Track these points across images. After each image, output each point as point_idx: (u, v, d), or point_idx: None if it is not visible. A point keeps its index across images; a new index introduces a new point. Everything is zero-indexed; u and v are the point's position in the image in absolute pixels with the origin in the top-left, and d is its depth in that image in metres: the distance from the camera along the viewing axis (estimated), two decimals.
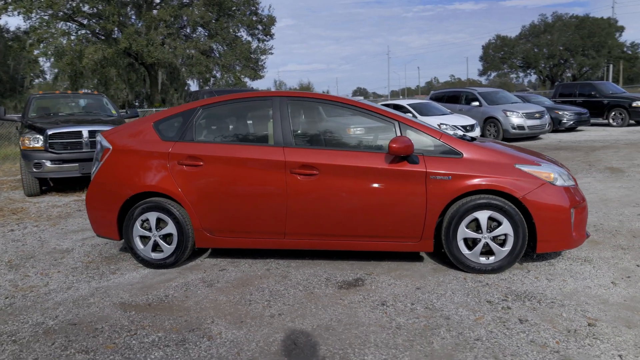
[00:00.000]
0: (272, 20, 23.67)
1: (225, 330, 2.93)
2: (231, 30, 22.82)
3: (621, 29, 52.97)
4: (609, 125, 16.19)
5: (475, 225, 3.63)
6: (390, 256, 4.13)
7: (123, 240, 4.17)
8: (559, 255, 4.00)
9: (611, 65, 52.54)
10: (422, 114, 12.62)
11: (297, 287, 3.57)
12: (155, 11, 21.71)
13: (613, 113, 15.98)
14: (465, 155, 3.62)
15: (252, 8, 23.14)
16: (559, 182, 3.60)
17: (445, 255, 3.75)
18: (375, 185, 3.66)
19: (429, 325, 2.87)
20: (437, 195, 3.58)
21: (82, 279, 3.94)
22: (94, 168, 4.24)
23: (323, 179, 3.71)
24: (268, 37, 24.13)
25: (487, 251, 3.65)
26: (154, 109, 14.69)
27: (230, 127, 4.17)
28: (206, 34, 22.31)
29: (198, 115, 4.08)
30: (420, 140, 3.69)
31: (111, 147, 4.14)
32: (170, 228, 4.01)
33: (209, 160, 3.89)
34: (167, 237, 4.06)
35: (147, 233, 4.06)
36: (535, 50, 53.86)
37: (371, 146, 3.81)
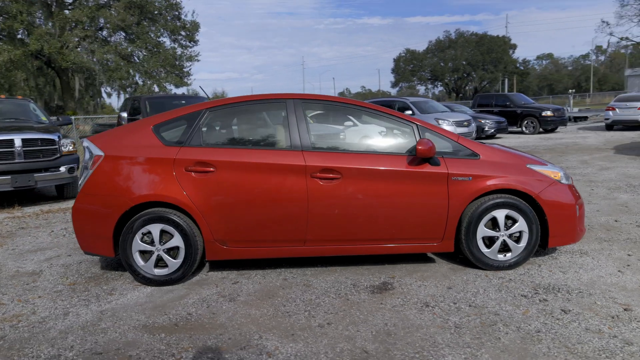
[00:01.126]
0: (195, 26, 22.93)
1: (280, 345, 2.74)
2: (153, 35, 21.75)
3: (514, 46, 58.55)
4: (522, 132, 17.75)
5: (492, 224, 3.76)
6: (402, 258, 4.14)
7: (113, 257, 3.76)
8: (555, 249, 4.28)
9: (506, 79, 57.87)
10: (421, 111, 13.77)
11: (328, 294, 3.45)
12: (67, 11, 20.04)
13: (526, 122, 17.56)
14: (482, 156, 3.76)
15: (175, 13, 22.27)
16: (564, 181, 3.86)
17: (453, 254, 3.84)
18: (398, 187, 3.66)
19: (485, 322, 2.91)
20: (459, 196, 3.67)
21: (76, 303, 3.48)
22: (82, 177, 3.78)
23: (345, 183, 3.64)
24: (192, 43, 23.35)
25: (504, 248, 3.80)
26: (73, 117, 13.51)
27: (241, 130, 3.95)
28: (126, 38, 21.04)
29: (204, 118, 3.81)
30: (439, 143, 3.76)
31: (103, 154, 3.73)
32: (177, 241, 3.69)
33: (222, 166, 3.65)
34: (171, 251, 3.73)
35: (148, 247, 3.70)
36: (442, 64, 57.69)
37: (390, 149, 3.81)
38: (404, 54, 60.50)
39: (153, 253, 3.72)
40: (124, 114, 9.50)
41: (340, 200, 3.65)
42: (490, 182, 3.68)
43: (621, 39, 37.54)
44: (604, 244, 4.35)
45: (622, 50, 74.86)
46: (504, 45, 57.10)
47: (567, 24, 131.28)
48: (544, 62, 78.78)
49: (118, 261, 4.40)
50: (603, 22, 54.86)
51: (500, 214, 3.72)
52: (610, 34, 41.02)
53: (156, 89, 20.89)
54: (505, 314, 3.01)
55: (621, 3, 38.18)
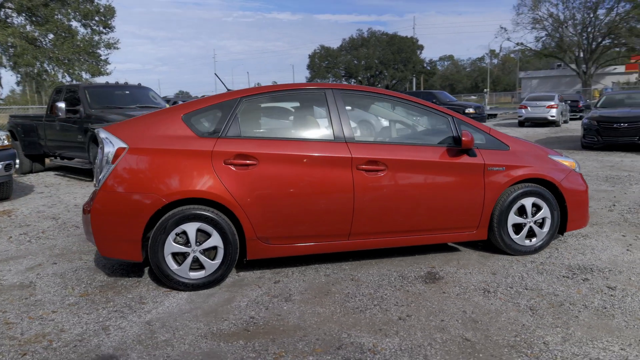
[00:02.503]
0: (111, 11, 21.22)
1: (377, 341, 2.65)
2: (63, 19, 19.77)
3: (421, 47, 61.85)
4: None
5: (519, 211, 3.95)
6: (430, 248, 4.20)
7: (141, 261, 3.38)
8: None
9: (414, 78, 61.09)
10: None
11: (383, 287, 3.40)
12: None
13: None
14: (510, 147, 3.93)
15: None
16: (577, 170, 4.16)
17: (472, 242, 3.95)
18: (440, 178, 3.71)
19: (552, 303, 3.06)
20: (493, 186, 3.81)
21: (108, 316, 3.08)
22: (102, 173, 3.34)
23: (390, 175, 3.61)
24: (107, 29, 21.60)
25: (529, 234, 4.01)
26: None
27: (281, 120, 3.74)
28: (32, 20, 18.89)
29: (240, 108, 3.55)
30: (474, 135, 3.86)
31: (127, 146, 3.33)
32: (215, 240, 3.41)
33: (265, 159, 3.43)
34: (206, 252, 3.44)
35: (183, 249, 3.38)
36: (355, 62, 59.36)
37: (429, 140, 3.84)
38: (319, 51, 61.27)
39: (188, 255, 3.40)
40: (61, 105, 8.53)
41: (385, 193, 3.61)
42: (520, 172, 3.86)
43: (517, 44, 41.28)
44: (596, 228, 4.77)
45: (512, 55, 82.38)
46: (412, 45, 60.12)
47: (463, 28, 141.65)
48: (445, 63, 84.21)
49: (123, 265, 3.97)
50: (501, 28, 59.84)
51: (527, 202, 3.92)
52: (508, 39, 44.71)
53: (69, 78, 19.03)
54: (564, 295, 3.18)
55: (517, 12, 41.85)
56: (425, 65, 62.03)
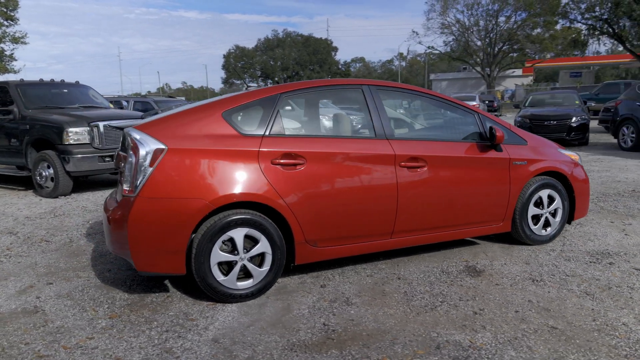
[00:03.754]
0: (14, 2, 19.13)
1: (471, 337, 2.63)
2: None
3: (335, 49, 63.24)
4: None
5: (536, 203, 4.16)
6: (453, 243, 4.28)
7: (184, 274, 3.07)
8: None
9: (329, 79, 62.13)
10: None
11: (437, 284, 3.40)
12: None
13: None
14: (528, 142, 4.12)
15: None
16: (580, 162, 4.48)
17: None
18: (472, 173, 3.79)
19: (602, 287, 3.25)
20: (517, 179, 3.97)
21: (162, 338, 2.75)
22: (138, 178, 2.97)
23: (430, 171, 3.62)
24: (9, 21, 19.40)
25: (545, 224, 4.24)
26: None
27: (322, 117, 3.58)
28: None
29: (280, 104, 3.35)
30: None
31: (165, 147, 3.00)
32: (263, 246, 3.19)
33: (313, 158, 3.28)
34: (253, 259, 3.21)
35: (230, 257, 3.12)
36: (272, 62, 59.17)
37: (460, 136, 3.90)
38: (234, 51, 60.21)
39: (235, 263, 3.14)
40: None
41: (425, 189, 3.61)
42: (539, 166, 4.07)
43: (428, 47, 43.71)
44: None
45: (419, 58, 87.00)
46: (327, 47, 61.27)
47: (371, 31, 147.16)
48: (357, 65, 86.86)
49: (138, 280, 3.58)
50: (413, 32, 62.89)
51: (544, 194, 4.14)
52: (420, 42, 46.93)
53: None
54: (604, 278, 3.40)
55: (427, 17, 44.28)
56: (340, 66, 63.53)
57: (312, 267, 3.75)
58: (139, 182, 2.96)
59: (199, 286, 3.15)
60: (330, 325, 2.83)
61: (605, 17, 24.95)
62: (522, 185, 4.00)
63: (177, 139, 3.05)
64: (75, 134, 7.18)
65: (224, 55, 59.64)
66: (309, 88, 3.50)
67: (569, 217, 4.35)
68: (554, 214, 4.24)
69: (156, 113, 4.12)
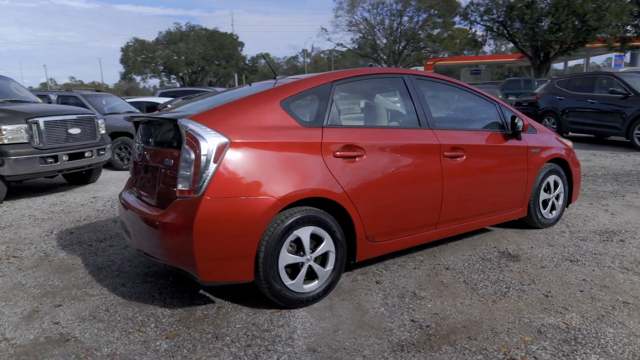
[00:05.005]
0: None
1: (563, 319, 2.69)
2: None
3: (242, 44, 62.09)
4: None
5: (544, 189, 4.39)
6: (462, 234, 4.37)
7: (251, 281, 2.77)
8: None
9: (236, 75, 61.10)
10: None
11: (489, 271, 3.44)
12: None
13: None
14: (538, 131, 4.34)
15: None
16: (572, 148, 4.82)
17: None
18: (500, 162, 3.90)
19: (633, 262, 3.51)
20: (533, 166, 4.17)
21: (248, 353, 2.47)
22: (203, 176, 2.61)
23: (467, 161, 3.65)
24: None
25: (551, 208, 4.50)
26: None
27: (371, 107, 3.43)
28: None
29: (334, 93, 3.16)
30: None
31: (228, 140, 2.68)
32: (327, 245, 2.99)
33: (371, 149, 3.14)
34: (317, 259, 3.01)
35: (297, 259, 2.89)
36: (175, 57, 56.48)
37: (487, 126, 3.98)
38: (132, 44, 56.49)
39: (302, 265, 2.91)
40: None
41: (464, 179, 3.64)
42: (548, 153, 4.30)
43: (337, 44, 44.58)
44: None
45: (322, 55, 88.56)
46: (233, 42, 59.92)
47: (272, 27, 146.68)
48: (262, 61, 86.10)
49: (168, 291, 3.19)
50: (322, 29, 63.60)
51: (551, 179, 4.39)
52: (329, 39, 47.72)
53: None
54: (628, 254, 3.69)
55: (335, 14, 45.08)
56: (247, 62, 62.54)
57: (353, 264, 3.61)
58: (202, 180, 2.60)
59: (264, 294, 2.87)
60: (420, 321, 2.73)
61: (501, 19, 27.35)
62: (537, 172, 4.21)
63: (238, 131, 2.73)
64: (11, 132, 6.22)
65: (121, 48, 55.61)
66: (357, 77, 3.34)
67: (567, 201, 4.67)
68: (557, 198, 4.52)
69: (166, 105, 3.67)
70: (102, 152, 7.36)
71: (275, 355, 2.42)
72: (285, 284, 2.84)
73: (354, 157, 3.06)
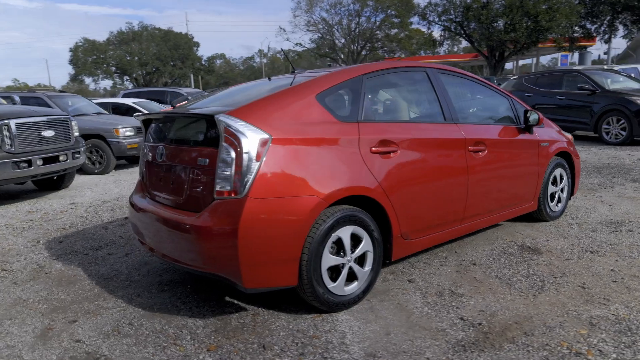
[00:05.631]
0: None
1: (609, 311, 2.70)
2: None
3: (197, 44, 60.78)
4: None
5: (551, 182, 4.45)
6: None
7: (295, 286, 2.62)
8: None
9: (192, 75, 59.78)
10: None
11: (516, 266, 3.43)
12: None
13: None
14: (544, 125, 4.40)
15: None
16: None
17: None
18: (516, 155, 3.91)
19: None
20: (543, 160, 4.21)
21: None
22: (247, 175, 2.43)
23: (488, 155, 3.64)
24: None
25: (557, 201, 4.57)
26: None
27: (399, 101, 3.33)
28: None
29: (365, 86, 3.06)
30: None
31: (269, 136, 2.53)
32: (366, 244, 2.89)
33: (404, 145, 3.06)
34: (356, 259, 2.89)
35: (339, 260, 2.76)
36: (128, 57, 54.60)
37: (502, 120, 3.98)
38: (82, 44, 54.14)
39: (343, 266, 2.79)
40: None
41: (486, 174, 3.62)
42: (556, 146, 4.37)
43: (296, 44, 44.42)
44: None
45: (279, 55, 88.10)
46: (189, 42, 58.58)
47: (224, 27, 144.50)
48: (218, 61, 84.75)
49: (187, 299, 3.00)
50: (281, 28, 63.15)
51: (557, 173, 4.46)
52: (287, 39, 47.57)
53: None
54: None
55: (294, 14, 44.90)
56: (203, 62, 61.34)
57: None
58: (245, 180, 2.43)
59: (304, 298, 2.72)
60: (469, 319, 2.66)
61: (458, 19, 28.07)
62: (546, 165, 4.26)
63: (278, 126, 2.58)
64: None
65: (70, 48, 53.18)
66: (385, 70, 3.24)
67: (570, 193, 4.76)
68: (562, 191, 4.60)
69: (186, 99, 3.43)
70: (77, 156, 6.93)
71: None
72: (328, 287, 2.70)
73: (389, 152, 2.96)
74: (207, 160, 2.55)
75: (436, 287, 3.11)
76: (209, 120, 2.60)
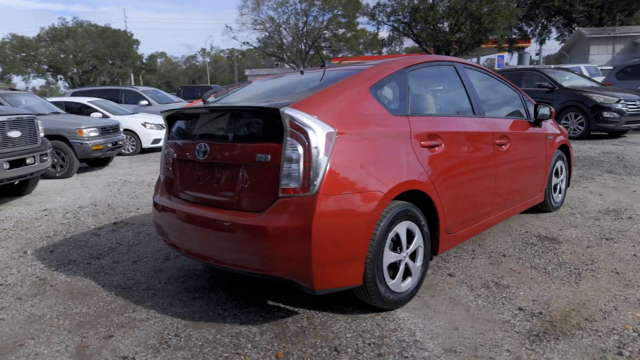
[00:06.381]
0: None
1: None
2: None
3: (137, 42, 58.40)
4: None
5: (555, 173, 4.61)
6: None
7: (360, 285, 2.52)
8: None
9: (132, 74, 57.43)
10: (158, 101, 12.04)
11: (543, 256, 3.51)
12: None
13: None
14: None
15: None
16: None
17: None
18: (531, 148, 4.02)
19: None
20: (550, 152, 4.35)
21: None
22: (317, 171, 2.31)
23: (511, 148, 3.70)
24: None
25: (558, 192, 4.74)
26: None
27: (436, 94, 3.30)
28: None
29: (409, 79, 3.01)
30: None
31: (335, 130, 2.42)
32: (418, 239, 2.85)
33: (447, 138, 3.04)
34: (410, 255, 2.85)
35: (397, 257, 2.70)
36: (62, 55, 51.55)
37: (513, 113, 4.06)
38: (9, 40, 50.47)
39: (400, 263, 2.73)
40: None
41: (509, 166, 3.68)
42: (558, 139, 4.53)
43: (243, 43, 43.75)
44: None
45: (221, 54, 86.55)
46: (128, 40, 56.19)
47: (163, 25, 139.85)
48: (159, 60, 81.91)
49: (226, 306, 2.84)
50: (227, 27, 62.04)
51: (559, 165, 4.64)
52: (234, 38, 46.72)
53: None
54: None
55: (240, 12, 44.22)
56: (144, 61, 59.06)
57: None
58: (316, 176, 2.30)
59: (363, 298, 2.63)
60: (528, 310, 2.69)
61: (406, 20, 28.78)
62: (552, 158, 4.41)
63: (340, 120, 2.47)
64: None
65: None
66: (422, 64, 3.20)
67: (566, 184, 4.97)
68: (562, 182, 4.78)
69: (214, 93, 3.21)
70: (45, 158, 6.40)
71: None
72: (388, 284, 2.63)
73: (434, 146, 2.93)
74: (269, 156, 2.39)
75: (479, 280, 3.11)
76: (269, 113, 2.44)
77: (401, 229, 2.68)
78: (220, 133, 2.70)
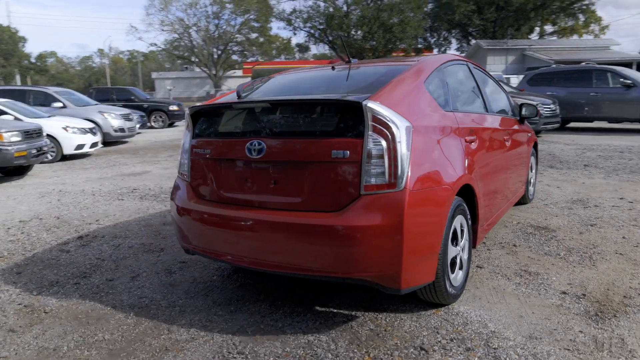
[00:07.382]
0: None
1: None
2: None
3: (24, 39, 53.06)
4: (152, 127, 17.70)
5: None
6: None
7: (432, 282, 2.49)
8: None
9: (19, 75, 51.99)
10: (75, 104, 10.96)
11: (549, 243, 3.71)
12: None
13: (154, 116, 17.65)
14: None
15: None
16: None
17: None
18: (521, 144, 4.25)
19: (632, 219, 4.23)
20: (529, 149, 4.66)
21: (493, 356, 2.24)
22: (403, 167, 2.23)
23: (511, 144, 3.90)
24: None
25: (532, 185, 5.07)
26: None
27: (465, 92, 3.35)
28: None
29: (446, 76, 3.04)
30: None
31: (411, 125, 2.37)
32: (467, 233, 2.89)
33: (480, 134, 3.12)
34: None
35: (456, 250, 2.72)
36: None
37: (507, 112, 4.27)
38: None
39: (456, 257, 2.74)
40: None
41: (511, 161, 3.88)
42: (532, 136, 4.86)
43: (151, 44, 41.57)
44: None
45: (121, 56, 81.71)
46: (13, 36, 50.85)
47: (49, 22, 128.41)
48: (49, 60, 75.05)
49: (277, 310, 2.68)
50: (132, 27, 58.34)
51: (532, 160, 4.97)
52: (140, 38, 44.45)
53: None
54: (618, 214, 4.41)
55: (147, 12, 42.04)
56: (33, 60, 53.75)
57: None
58: (402, 171, 2.21)
59: (423, 296, 2.59)
60: (571, 293, 2.82)
61: (322, 27, 29.32)
62: (530, 154, 4.72)
63: (412, 114, 2.41)
64: None
65: None
66: (449, 62, 3.24)
67: None
68: (533, 176, 5.14)
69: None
70: None
71: (511, 351, 2.22)
72: (450, 279, 2.62)
73: (472, 142, 2.99)
74: (347, 152, 2.25)
75: (508, 270, 3.22)
76: (343, 107, 2.30)
77: (457, 223, 2.68)
78: (279, 129, 2.48)
